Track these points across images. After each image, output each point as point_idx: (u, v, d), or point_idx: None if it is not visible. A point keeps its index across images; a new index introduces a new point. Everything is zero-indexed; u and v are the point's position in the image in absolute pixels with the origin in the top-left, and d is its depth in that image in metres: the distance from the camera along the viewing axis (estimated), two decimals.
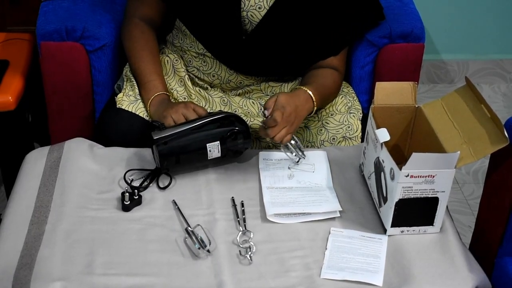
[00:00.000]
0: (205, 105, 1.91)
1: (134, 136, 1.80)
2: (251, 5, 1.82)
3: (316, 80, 1.83)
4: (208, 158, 1.68)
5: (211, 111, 1.87)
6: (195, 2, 1.84)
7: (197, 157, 1.68)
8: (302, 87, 1.77)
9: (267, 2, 1.82)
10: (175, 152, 1.65)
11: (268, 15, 1.82)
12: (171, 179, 1.67)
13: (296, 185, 1.68)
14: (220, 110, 1.83)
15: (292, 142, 1.70)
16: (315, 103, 1.76)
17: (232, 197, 1.63)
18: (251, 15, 1.83)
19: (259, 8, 1.82)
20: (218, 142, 1.66)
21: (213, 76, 1.93)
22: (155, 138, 1.64)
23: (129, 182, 1.64)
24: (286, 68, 1.93)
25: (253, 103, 1.93)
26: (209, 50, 1.89)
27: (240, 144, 1.69)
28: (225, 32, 1.86)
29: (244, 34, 1.86)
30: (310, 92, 1.75)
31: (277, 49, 1.88)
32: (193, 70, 1.95)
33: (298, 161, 1.72)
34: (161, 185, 1.66)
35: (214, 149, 1.66)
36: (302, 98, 1.74)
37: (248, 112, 1.91)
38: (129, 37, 1.91)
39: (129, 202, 1.58)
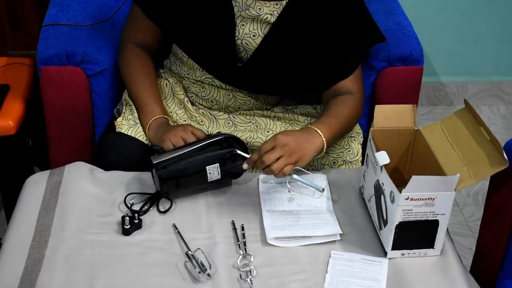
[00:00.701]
0: (210, 125, 1.91)
1: (134, 160, 1.80)
2: (245, 33, 1.82)
3: (325, 113, 1.76)
4: (208, 180, 1.68)
5: (209, 133, 1.88)
6: (191, 29, 1.84)
7: (197, 180, 1.68)
8: (309, 125, 1.71)
9: (261, 30, 1.82)
10: (174, 176, 1.65)
11: (264, 42, 1.82)
12: (171, 203, 1.67)
13: (296, 208, 1.67)
14: (218, 132, 1.83)
15: (294, 176, 1.63)
16: (323, 138, 1.69)
17: (232, 221, 1.63)
18: (245, 43, 1.83)
19: (254, 36, 1.82)
20: (218, 164, 1.66)
21: (212, 101, 1.93)
22: (154, 162, 1.64)
23: (129, 206, 1.63)
24: (284, 94, 1.93)
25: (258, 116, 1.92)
26: (209, 72, 1.88)
27: (240, 165, 1.69)
28: (221, 59, 1.85)
29: (240, 61, 1.86)
30: (317, 129, 1.69)
31: (274, 76, 1.86)
32: (192, 96, 1.95)
33: (316, 194, 1.66)
34: (161, 209, 1.66)
35: (213, 172, 1.67)
36: (307, 132, 1.67)
37: (257, 126, 1.90)
38: (125, 62, 1.91)
39: (129, 226, 1.58)
